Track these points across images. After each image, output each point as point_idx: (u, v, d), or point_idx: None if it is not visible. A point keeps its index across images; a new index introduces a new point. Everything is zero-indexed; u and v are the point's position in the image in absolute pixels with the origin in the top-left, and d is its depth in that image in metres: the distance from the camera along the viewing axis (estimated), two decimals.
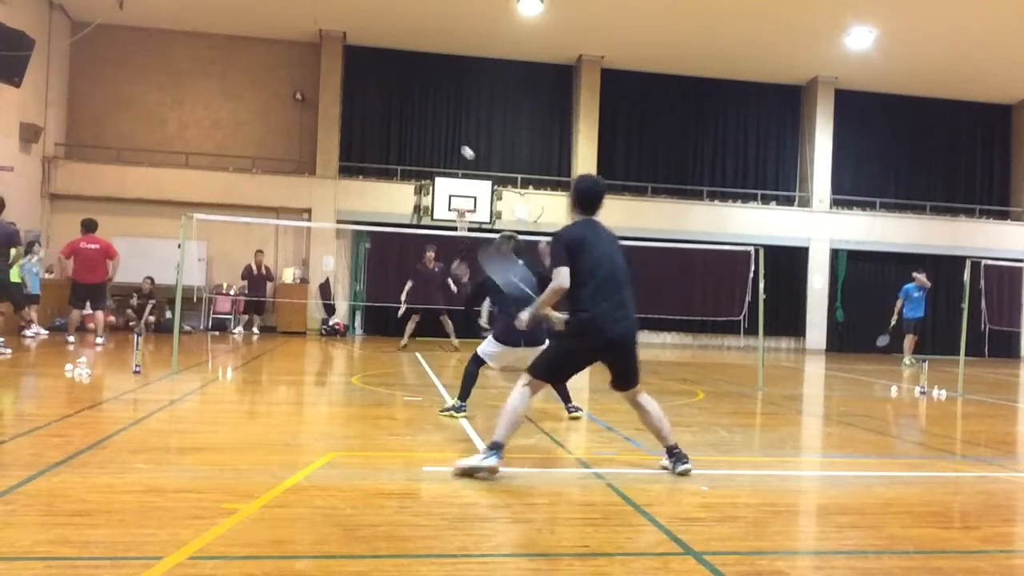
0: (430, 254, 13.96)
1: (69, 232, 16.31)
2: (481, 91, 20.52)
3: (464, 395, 6.73)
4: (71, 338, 12.77)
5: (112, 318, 15.99)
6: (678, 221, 19.88)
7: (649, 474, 4.83)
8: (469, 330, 18.25)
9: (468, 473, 4.48)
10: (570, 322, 4.82)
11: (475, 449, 5.33)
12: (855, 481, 5.06)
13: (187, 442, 5.37)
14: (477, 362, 6.74)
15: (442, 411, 6.81)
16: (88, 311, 13.16)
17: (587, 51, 20.02)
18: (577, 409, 6.92)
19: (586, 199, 4.97)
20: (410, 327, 14.35)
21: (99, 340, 12.47)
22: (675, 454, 4.83)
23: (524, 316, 5.23)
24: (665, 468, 4.87)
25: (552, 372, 4.97)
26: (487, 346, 6.74)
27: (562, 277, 4.68)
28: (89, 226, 12.81)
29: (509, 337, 6.55)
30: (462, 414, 6.65)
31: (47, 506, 3.62)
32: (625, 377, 4.92)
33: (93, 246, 12.67)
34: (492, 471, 4.47)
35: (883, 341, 15.99)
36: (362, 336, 19.07)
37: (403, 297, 14.18)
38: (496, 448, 4.54)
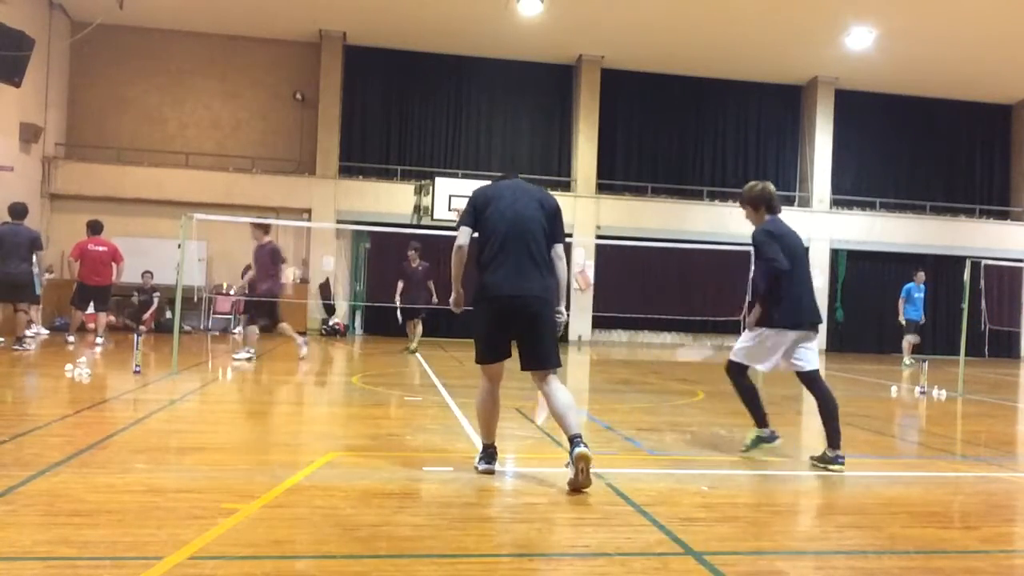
0: (412, 252, 13.73)
1: (69, 232, 16.36)
2: (481, 91, 20.52)
3: (759, 418, 5.47)
4: (71, 338, 12.77)
5: (112, 318, 15.97)
6: (678, 221, 19.88)
7: (649, 474, 4.83)
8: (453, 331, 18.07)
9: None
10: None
11: (475, 448, 5.34)
12: (855, 481, 5.05)
13: (187, 442, 5.37)
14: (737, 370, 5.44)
15: (747, 446, 5.51)
16: (90, 311, 13.17)
17: (587, 51, 20.02)
18: (767, 439, 5.52)
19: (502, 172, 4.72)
20: (411, 329, 14.12)
21: (99, 340, 12.47)
22: (575, 441, 4.19)
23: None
24: (567, 465, 4.23)
25: (479, 353, 4.54)
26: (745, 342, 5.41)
27: (461, 236, 4.48)
28: (96, 228, 12.81)
29: (791, 319, 5.19)
30: (773, 442, 5.46)
31: (47, 506, 3.61)
32: (531, 354, 4.41)
33: (101, 248, 12.67)
34: (488, 472, 4.58)
35: (915, 339, 15.99)
36: (362, 336, 19.07)
37: (397, 300, 14.00)
38: (484, 451, 4.64)
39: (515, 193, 4.61)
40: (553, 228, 4.58)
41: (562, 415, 4.30)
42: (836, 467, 5.06)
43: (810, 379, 5.26)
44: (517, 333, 4.40)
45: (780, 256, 5.11)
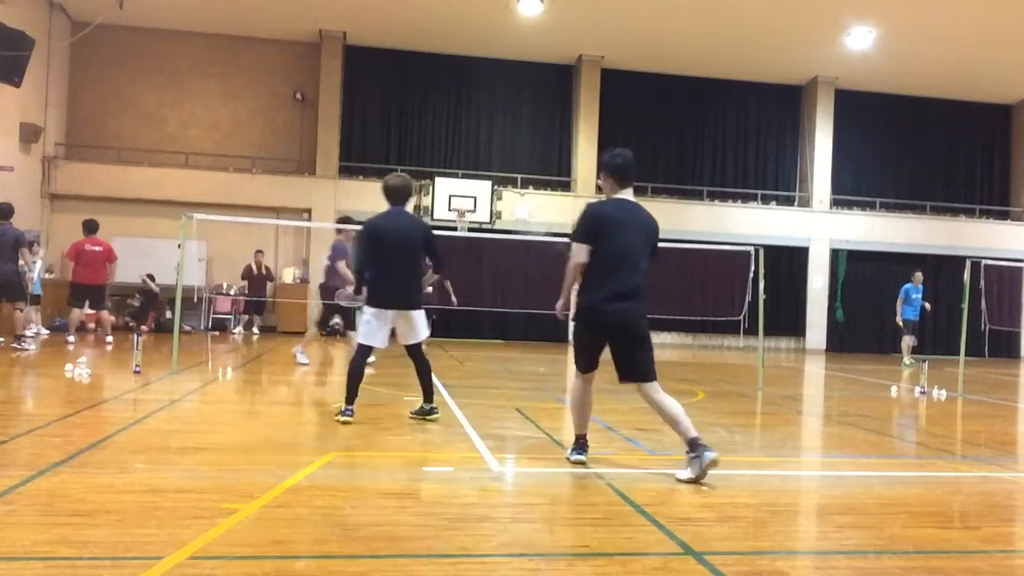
0: None
1: (69, 232, 16.33)
2: (481, 91, 20.52)
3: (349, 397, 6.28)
4: (71, 338, 12.77)
5: (113, 318, 15.97)
6: (678, 221, 19.82)
7: (649, 474, 4.83)
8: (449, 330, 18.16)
9: (580, 462, 4.88)
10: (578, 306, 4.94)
11: (475, 448, 5.35)
12: (855, 481, 5.05)
13: (187, 442, 5.37)
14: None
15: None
16: (89, 311, 13.22)
17: (587, 51, 20.02)
18: (426, 412, 6.44)
19: (621, 172, 4.98)
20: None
21: (108, 339, 12.61)
22: (697, 446, 4.54)
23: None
24: (688, 480, 4.52)
25: (577, 359, 5.04)
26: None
27: (580, 254, 4.79)
28: (91, 227, 12.89)
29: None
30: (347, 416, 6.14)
31: (47, 506, 3.61)
32: (625, 367, 4.84)
33: (96, 248, 12.76)
34: (579, 463, 4.88)
35: (913, 341, 16.04)
36: None
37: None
38: (577, 441, 4.98)
39: (630, 218, 4.88)
40: (654, 246, 4.97)
41: (676, 420, 4.71)
42: (433, 417, 6.38)
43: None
44: (617, 347, 4.83)
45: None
